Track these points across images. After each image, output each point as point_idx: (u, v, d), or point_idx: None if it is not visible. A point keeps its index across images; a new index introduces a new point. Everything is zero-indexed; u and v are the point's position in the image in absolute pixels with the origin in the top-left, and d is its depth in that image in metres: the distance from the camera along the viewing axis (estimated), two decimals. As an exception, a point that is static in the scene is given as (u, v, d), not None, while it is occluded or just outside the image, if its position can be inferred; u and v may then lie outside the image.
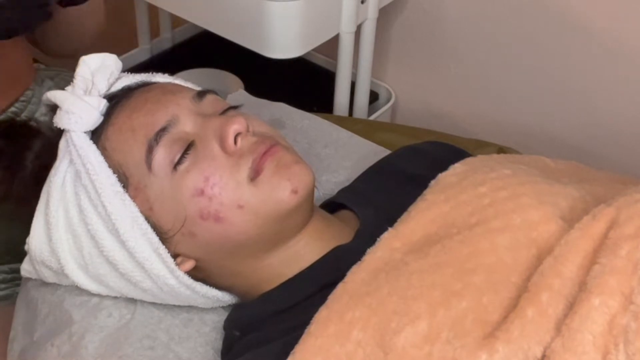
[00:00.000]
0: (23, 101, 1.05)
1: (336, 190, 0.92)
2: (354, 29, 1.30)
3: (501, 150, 1.11)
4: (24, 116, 1.03)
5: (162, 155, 0.75)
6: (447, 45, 1.46)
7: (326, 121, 1.10)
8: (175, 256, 0.78)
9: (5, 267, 1.02)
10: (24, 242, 0.82)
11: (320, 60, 1.65)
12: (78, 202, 0.77)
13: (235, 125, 0.75)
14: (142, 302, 0.83)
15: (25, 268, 0.85)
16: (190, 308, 0.84)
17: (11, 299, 1.01)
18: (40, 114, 0.99)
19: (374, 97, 1.57)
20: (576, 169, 0.88)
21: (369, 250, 0.74)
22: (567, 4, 1.27)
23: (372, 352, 0.66)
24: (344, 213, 0.86)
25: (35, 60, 1.14)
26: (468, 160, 0.84)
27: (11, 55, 1.02)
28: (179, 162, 0.75)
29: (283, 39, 1.23)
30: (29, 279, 0.89)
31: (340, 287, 0.72)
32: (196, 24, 1.36)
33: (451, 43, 1.45)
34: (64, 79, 1.10)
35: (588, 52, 1.29)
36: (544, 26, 1.31)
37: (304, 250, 0.79)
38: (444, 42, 1.46)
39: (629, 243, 0.65)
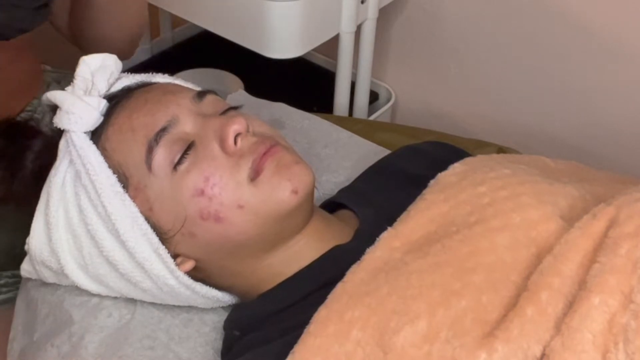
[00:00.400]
0: (29, 111, 1.05)
1: (336, 190, 0.92)
2: (354, 29, 1.30)
3: (501, 150, 1.11)
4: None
5: (162, 156, 0.75)
6: (447, 45, 1.46)
7: (326, 121, 1.10)
8: (175, 256, 0.78)
9: (8, 272, 1.02)
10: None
11: (320, 60, 1.65)
12: (78, 202, 0.77)
13: (235, 126, 0.75)
14: (142, 302, 0.83)
15: (25, 268, 0.85)
16: (190, 308, 0.84)
17: (13, 302, 1.01)
18: (45, 125, 0.98)
19: (374, 97, 1.57)
20: (576, 169, 0.88)
21: (368, 250, 0.74)
22: (567, 4, 1.27)
23: (371, 352, 0.66)
24: (344, 213, 0.86)
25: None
26: (467, 160, 0.84)
27: (17, 64, 1.01)
28: (179, 163, 0.75)
29: (283, 39, 1.23)
30: (28, 279, 0.89)
31: (339, 286, 0.72)
32: (196, 24, 1.36)
33: (451, 43, 1.45)
34: (71, 82, 1.09)
35: (588, 52, 1.29)
36: (544, 26, 1.31)
37: (304, 250, 0.79)
38: (444, 42, 1.46)
39: (628, 242, 0.65)
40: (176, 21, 1.71)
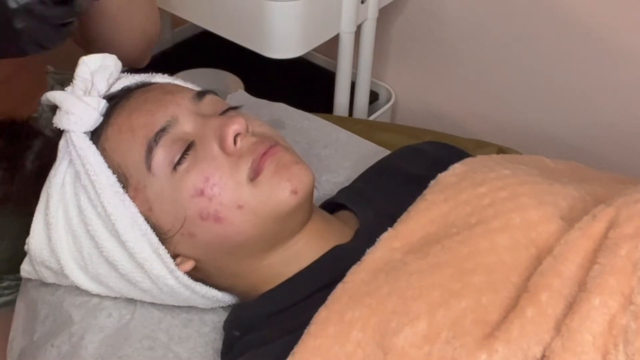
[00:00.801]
0: (34, 117, 1.05)
1: (336, 190, 0.92)
2: (354, 29, 1.30)
3: (501, 150, 1.11)
4: None
5: (162, 156, 0.75)
6: (447, 45, 1.46)
7: (326, 121, 1.10)
8: (174, 256, 0.78)
9: (11, 276, 1.02)
10: None
11: (320, 60, 1.65)
12: (78, 202, 0.77)
13: (235, 126, 0.75)
14: (142, 302, 0.83)
15: (25, 268, 0.85)
16: (190, 308, 0.84)
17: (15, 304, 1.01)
18: (44, 125, 0.98)
19: (374, 97, 1.57)
20: (576, 169, 0.87)
21: (368, 251, 0.74)
22: (567, 4, 1.27)
23: (371, 352, 0.66)
24: (344, 213, 0.86)
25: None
26: (468, 160, 0.84)
27: (25, 70, 1.00)
28: (178, 163, 0.75)
29: (283, 39, 1.23)
30: (28, 280, 0.89)
31: (339, 287, 0.72)
32: (196, 24, 1.36)
33: (451, 43, 1.45)
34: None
35: (588, 52, 1.29)
36: (544, 26, 1.31)
37: (304, 251, 0.79)
38: (444, 42, 1.46)
39: (628, 243, 0.65)
40: (176, 21, 1.70)
